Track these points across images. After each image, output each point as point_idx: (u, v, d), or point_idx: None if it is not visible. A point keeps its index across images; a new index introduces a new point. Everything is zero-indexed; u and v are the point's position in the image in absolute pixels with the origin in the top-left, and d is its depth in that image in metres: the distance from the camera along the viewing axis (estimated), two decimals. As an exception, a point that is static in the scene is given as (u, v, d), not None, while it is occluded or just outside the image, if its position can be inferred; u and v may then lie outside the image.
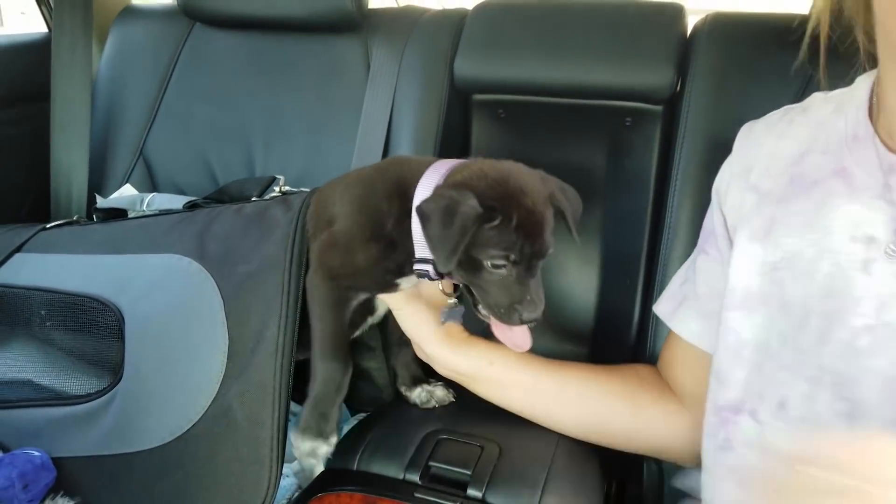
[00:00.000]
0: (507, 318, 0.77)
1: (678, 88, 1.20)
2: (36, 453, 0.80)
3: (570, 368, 0.92)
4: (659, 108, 1.26)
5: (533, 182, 0.76)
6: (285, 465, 0.89)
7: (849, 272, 0.69)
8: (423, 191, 0.78)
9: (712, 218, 0.84)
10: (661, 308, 0.91)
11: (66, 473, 0.82)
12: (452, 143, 1.32)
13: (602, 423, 0.90)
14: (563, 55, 1.26)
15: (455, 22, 1.32)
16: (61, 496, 0.80)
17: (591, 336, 1.34)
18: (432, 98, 1.27)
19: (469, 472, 0.81)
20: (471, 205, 0.72)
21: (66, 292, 0.88)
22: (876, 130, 0.69)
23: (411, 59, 1.29)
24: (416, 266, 0.81)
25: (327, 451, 0.82)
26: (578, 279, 1.34)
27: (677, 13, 1.23)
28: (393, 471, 0.84)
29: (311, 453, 0.81)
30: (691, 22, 1.22)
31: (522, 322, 0.76)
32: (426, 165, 0.81)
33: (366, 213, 0.83)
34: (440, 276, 0.81)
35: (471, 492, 0.80)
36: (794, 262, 0.72)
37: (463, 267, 0.76)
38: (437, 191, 0.77)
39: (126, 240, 0.93)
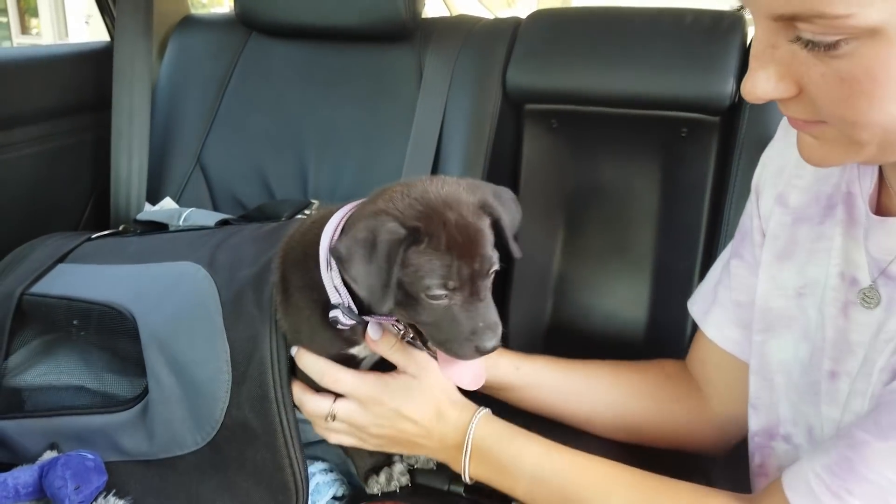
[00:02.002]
0: (462, 352, 0.67)
1: (737, 99, 1.16)
2: (89, 456, 0.81)
3: (597, 366, 0.94)
4: (716, 118, 1.23)
5: (457, 193, 0.68)
6: (325, 462, 0.90)
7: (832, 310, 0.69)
8: (330, 230, 0.71)
9: (750, 218, 0.83)
10: (695, 308, 0.91)
11: (116, 476, 0.83)
12: (503, 153, 1.31)
13: (629, 418, 0.90)
14: (618, 64, 1.24)
15: (508, 31, 1.31)
16: (113, 495, 0.82)
17: (640, 353, 1.31)
18: (484, 108, 1.27)
19: None
20: (390, 229, 0.64)
21: (90, 301, 0.90)
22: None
23: (464, 68, 1.28)
24: (342, 318, 0.73)
25: (402, 468, 0.83)
26: (628, 294, 1.32)
27: (737, 22, 1.20)
28: (437, 482, 0.84)
29: (389, 481, 0.81)
30: (751, 31, 1.19)
31: (480, 353, 0.66)
32: (338, 209, 0.74)
33: (295, 271, 0.77)
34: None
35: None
36: (815, 289, 0.72)
37: (401, 304, 0.67)
38: (350, 224, 0.69)
39: (153, 251, 0.95)
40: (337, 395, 0.79)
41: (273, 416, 0.77)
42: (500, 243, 0.70)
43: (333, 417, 0.78)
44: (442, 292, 0.65)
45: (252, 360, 0.78)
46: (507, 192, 0.73)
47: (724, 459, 0.93)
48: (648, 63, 1.21)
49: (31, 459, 0.85)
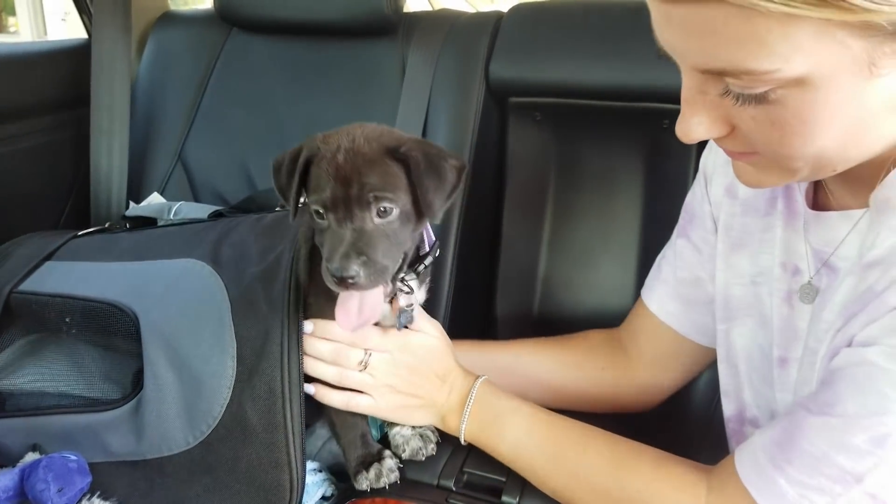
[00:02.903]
0: (326, 277, 0.69)
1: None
2: (73, 457, 0.80)
3: (522, 344, 1.01)
4: (698, 109, 1.23)
5: (374, 132, 0.73)
6: (315, 462, 0.90)
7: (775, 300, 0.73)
8: None
9: (697, 198, 0.86)
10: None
11: (101, 477, 0.82)
12: (488, 146, 1.31)
13: (558, 388, 0.97)
14: (600, 57, 1.24)
15: (490, 24, 1.31)
16: (97, 496, 0.81)
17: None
18: (467, 101, 1.26)
19: (503, 479, 0.82)
20: (292, 150, 0.73)
21: (86, 298, 0.89)
22: None
23: (446, 61, 1.28)
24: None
25: (392, 464, 0.83)
26: (615, 284, 1.32)
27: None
28: (427, 477, 0.83)
29: (378, 477, 0.81)
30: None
31: (332, 277, 0.68)
32: None
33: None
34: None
35: (505, 498, 0.80)
36: (767, 278, 0.75)
37: (309, 225, 0.75)
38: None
39: (149, 248, 0.94)
40: None
41: (277, 412, 0.78)
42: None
43: (366, 365, 0.81)
44: (319, 208, 0.70)
45: (263, 355, 0.79)
46: (447, 160, 0.74)
47: (711, 445, 0.98)
48: (629, 55, 1.21)
49: (14, 460, 0.84)
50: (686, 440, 0.96)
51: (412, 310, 0.83)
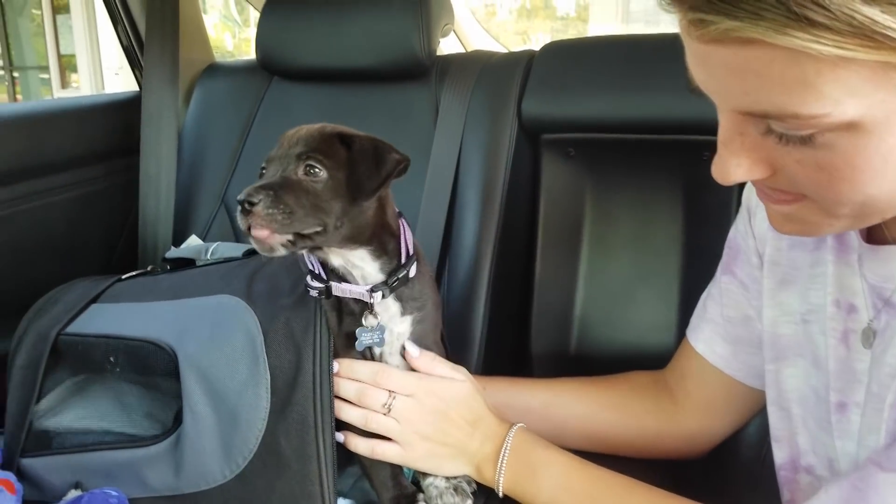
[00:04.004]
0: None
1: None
2: (113, 493, 0.82)
3: (561, 382, 0.97)
4: (736, 140, 1.21)
5: (334, 126, 0.81)
6: (347, 500, 0.90)
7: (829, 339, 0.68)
8: None
9: (740, 233, 0.82)
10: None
11: (141, 513, 0.84)
12: (521, 183, 1.31)
13: (596, 431, 0.93)
14: (634, 91, 1.24)
15: (522, 63, 1.33)
16: (139, 532, 0.82)
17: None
18: (500, 139, 1.27)
19: None
20: None
21: (128, 338, 0.92)
22: None
23: (479, 101, 1.29)
24: (311, 281, 0.82)
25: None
26: (655, 321, 1.30)
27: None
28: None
29: None
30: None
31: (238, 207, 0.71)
32: None
33: None
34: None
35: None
36: (820, 317, 0.70)
37: None
38: None
39: (186, 286, 0.97)
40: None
41: (310, 442, 0.79)
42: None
43: (390, 409, 0.80)
44: (263, 165, 0.78)
45: (296, 385, 0.80)
46: (392, 152, 0.79)
47: (762, 495, 0.92)
48: (663, 88, 1.21)
49: (57, 498, 0.86)
50: (734, 489, 0.92)
51: (380, 333, 0.82)
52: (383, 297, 0.81)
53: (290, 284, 0.87)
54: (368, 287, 0.80)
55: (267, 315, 0.85)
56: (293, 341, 0.82)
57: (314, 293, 0.82)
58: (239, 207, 0.71)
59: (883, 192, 0.50)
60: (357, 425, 0.82)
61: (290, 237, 0.73)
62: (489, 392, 0.90)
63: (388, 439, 0.82)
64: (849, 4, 0.40)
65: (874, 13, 0.40)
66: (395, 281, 0.81)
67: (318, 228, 0.74)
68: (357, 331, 0.82)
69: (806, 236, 0.67)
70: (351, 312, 0.83)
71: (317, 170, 0.74)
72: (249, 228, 0.72)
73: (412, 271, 0.83)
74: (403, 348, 0.85)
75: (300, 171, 0.74)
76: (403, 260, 0.83)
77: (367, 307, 0.82)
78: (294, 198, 0.72)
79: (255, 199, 0.70)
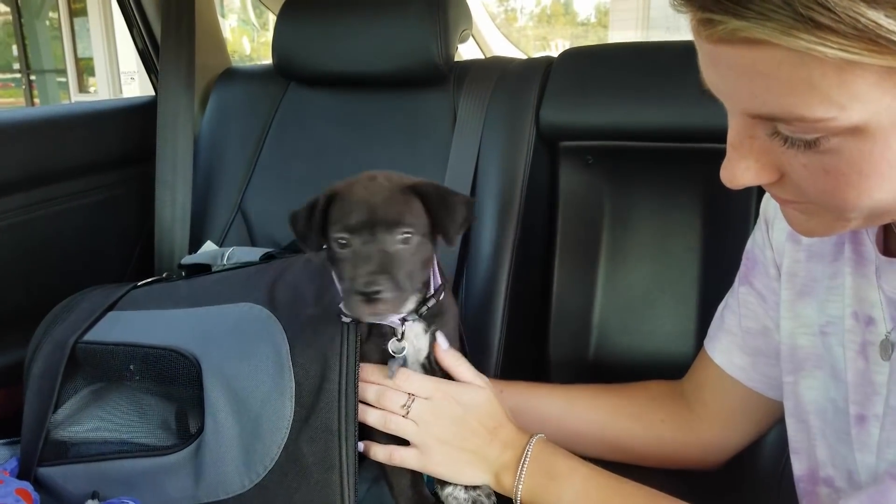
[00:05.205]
0: (349, 300, 0.73)
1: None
2: (131, 503, 0.81)
3: (578, 389, 0.97)
4: (757, 147, 1.20)
5: (388, 175, 0.79)
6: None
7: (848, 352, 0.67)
8: None
9: (758, 243, 0.82)
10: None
11: (157, 522, 0.83)
12: (539, 190, 1.30)
13: (611, 439, 0.93)
14: (652, 98, 1.23)
15: (541, 70, 1.32)
16: (156, 541, 0.82)
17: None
18: (518, 146, 1.26)
19: None
20: (319, 196, 0.78)
21: (149, 346, 0.91)
22: None
23: (497, 107, 1.29)
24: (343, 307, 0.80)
25: None
26: (674, 327, 1.29)
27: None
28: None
29: None
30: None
31: (361, 296, 0.71)
32: None
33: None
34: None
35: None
36: (838, 329, 0.70)
37: (331, 259, 0.78)
38: None
39: (206, 293, 0.96)
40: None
41: (333, 450, 0.79)
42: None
43: (409, 410, 0.80)
44: (343, 235, 0.74)
45: (320, 394, 0.80)
46: (457, 196, 0.80)
47: None
48: (682, 96, 1.19)
49: (76, 506, 0.86)
50: (753, 500, 0.91)
51: (404, 358, 0.83)
52: (412, 322, 0.83)
53: (314, 293, 0.87)
54: (401, 316, 0.82)
55: (291, 324, 0.85)
56: (320, 352, 0.82)
57: (346, 320, 0.82)
58: (361, 296, 0.71)
59: (889, 196, 0.50)
60: (376, 426, 0.82)
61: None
62: (505, 396, 0.89)
63: (407, 444, 0.82)
64: (853, 8, 0.40)
65: (878, 17, 0.40)
66: (425, 309, 0.83)
67: (416, 293, 0.79)
68: (389, 362, 0.82)
69: (820, 236, 0.67)
70: (380, 334, 0.84)
71: (410, 233, 0.75)
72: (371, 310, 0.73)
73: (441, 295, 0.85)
74: (426, 358, 0.86)
75: (396, 241, 0.75)
76: (433, 290, 0.84)
77: (394, 331, 0.83)
78: (403, 272, 0.74)
79: (381, 288, 0.71)
